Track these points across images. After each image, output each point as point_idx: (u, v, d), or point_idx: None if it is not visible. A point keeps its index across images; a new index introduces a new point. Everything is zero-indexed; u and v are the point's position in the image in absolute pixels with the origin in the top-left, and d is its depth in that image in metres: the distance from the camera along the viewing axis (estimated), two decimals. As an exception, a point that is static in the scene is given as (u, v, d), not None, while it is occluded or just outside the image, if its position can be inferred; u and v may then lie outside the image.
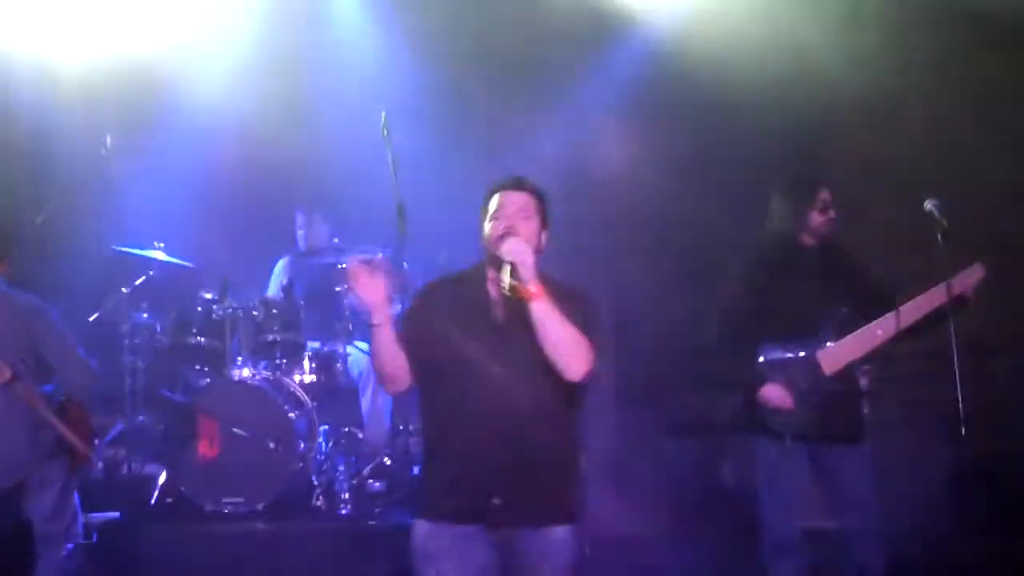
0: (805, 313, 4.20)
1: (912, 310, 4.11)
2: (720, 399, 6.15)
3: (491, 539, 3.21)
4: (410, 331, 3.32)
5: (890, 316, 4.14)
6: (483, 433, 3.20)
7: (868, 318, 4.17)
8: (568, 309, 3.19)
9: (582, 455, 3.39)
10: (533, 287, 3.13)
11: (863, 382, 5.88)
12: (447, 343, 3.24)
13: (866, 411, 5.82)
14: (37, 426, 4.38)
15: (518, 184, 3.36)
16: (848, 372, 4.25)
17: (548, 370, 3.16)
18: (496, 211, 3.30)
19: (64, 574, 4.54)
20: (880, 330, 4.15)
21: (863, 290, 4.29)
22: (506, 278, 3.16)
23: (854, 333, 4.17)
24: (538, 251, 3.28)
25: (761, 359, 4.19)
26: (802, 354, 4.18)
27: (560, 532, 3.27)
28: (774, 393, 4.16)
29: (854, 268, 4.38)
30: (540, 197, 3.37)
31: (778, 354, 4.19)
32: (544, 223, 3.36)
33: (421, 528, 3.26)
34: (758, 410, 4.19)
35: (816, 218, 4.28)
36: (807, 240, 4.31)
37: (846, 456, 4.23)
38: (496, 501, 3.18)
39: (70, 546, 4.58)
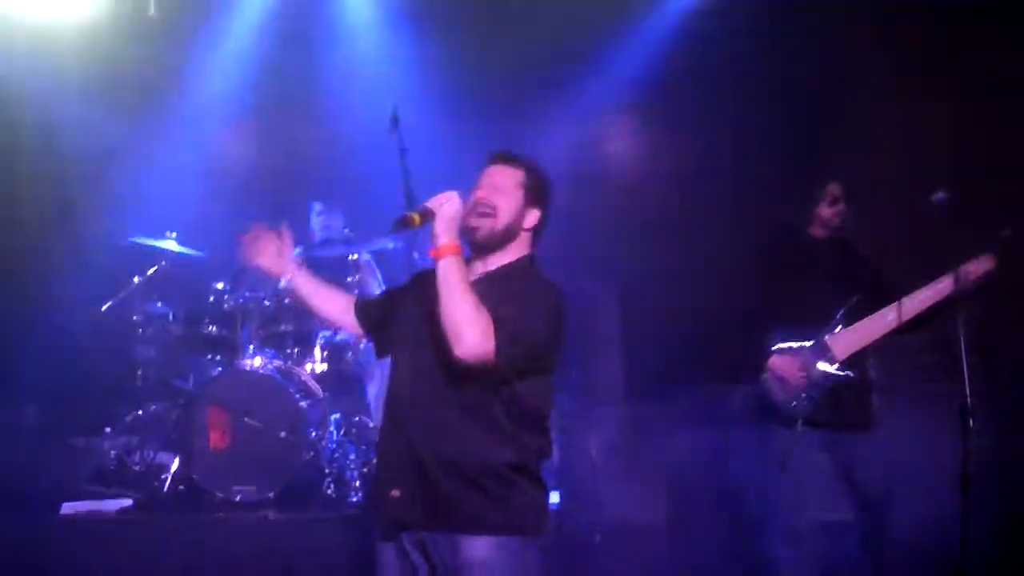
0: (815, 305, 4.21)
1: (923, 298, 4.11)
2: (730, 390, 6.20)
3: (408, 543, 2.93)
4: (372, 303, 3.35)
5: (902, 302, 4.13)
6: (390, 420, 3.02)
7: (873, 311, 4.17)
8: (505, 290, 2.90)
9: (532, 458, 2.95)
10: (444, 241, 2.85)
11: (871, 374, 5.91)
12: (392, 328, 3.13)
13: (876, 403, 5.88)
14: None
15: (503, 158, 3.12)
16: (859, 359, 4.25)
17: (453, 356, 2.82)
18: (477, 183, 3.09)
19: None
20: (891, 315, 4.15)
21: (870, 283, 4.28)
22: (411, 213, 2.90)
23: (865, 319, 4.17)
24: (524, 229, 3.05)
25: (772, 349, 4.19)
26: (813, 342, 4.18)
27: (481, 544, 2.84)
28: (782, 363, 4.16)
29: (863, 261, 4.38)
30: (533, 173, 3.09)
31: (788, 344, 4.19)
32: (534, 201, 3.06)
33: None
34: (768, 397, 4.20)
35: (826, 211, 4.28)
36: (817, 232, 4.31)
37: (858, 444, 4.22)
38: (395, 493, 2.91)
39: None
